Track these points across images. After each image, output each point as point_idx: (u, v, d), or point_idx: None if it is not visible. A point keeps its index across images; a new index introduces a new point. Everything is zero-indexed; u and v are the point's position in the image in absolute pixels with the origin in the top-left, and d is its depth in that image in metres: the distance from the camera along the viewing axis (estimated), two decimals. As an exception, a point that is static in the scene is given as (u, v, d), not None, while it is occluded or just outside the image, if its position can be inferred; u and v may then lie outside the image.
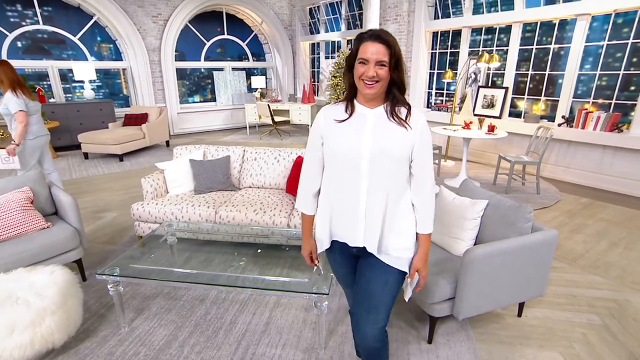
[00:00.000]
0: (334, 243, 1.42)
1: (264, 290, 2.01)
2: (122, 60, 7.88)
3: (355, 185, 1.27)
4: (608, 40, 4.60)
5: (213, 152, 3.46)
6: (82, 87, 7.25)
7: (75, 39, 7.35)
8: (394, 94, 1.24)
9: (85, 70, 6.64)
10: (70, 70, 7.15)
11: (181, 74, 8.90)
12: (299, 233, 2.66)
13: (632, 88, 4.68)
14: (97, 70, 7.39)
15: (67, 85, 7.63)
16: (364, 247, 1.33)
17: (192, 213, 2.90)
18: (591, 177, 4.72)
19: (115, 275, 2.01)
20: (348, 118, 1.27)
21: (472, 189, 2.36)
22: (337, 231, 1.37)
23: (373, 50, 1.15)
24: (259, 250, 2.49)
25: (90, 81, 7.16)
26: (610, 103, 4.68)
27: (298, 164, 3.26)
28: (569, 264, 2.85)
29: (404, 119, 1.24)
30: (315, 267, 1.70)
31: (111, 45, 8.16)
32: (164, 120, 6.87)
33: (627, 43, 4.44)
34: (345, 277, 1.53)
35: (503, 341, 2.06)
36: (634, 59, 4.57)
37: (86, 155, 6.29)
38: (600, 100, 4.78)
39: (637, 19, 4.35)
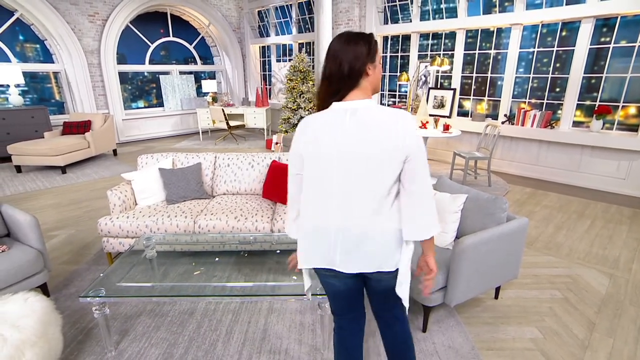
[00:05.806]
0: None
1: (274, 296, 2.00)
2: (53, 62, 7.17)
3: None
4: (537, 48, 5.19)
5: (182, 159, 3.31)
6: (4, 93, 6.44)
7: (-6, 38, 6.54)
8: None
9: (10, 73, 5.89)
10: (-12, 73, 6.32)
11: (122, 78, 8.29)
12: (282, 237, 2.65)
13: (558, 89, 5.32)
14: (24, 74, 6.61)
15: (-17, 90, 6.75)
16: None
17: (168, 224, 2.75)
18: (531, 169, 5.28)
19: (101, 297, 1.86)
20: None
21: (449, 184, 2.54)
22: None
23: None
24: (245, 255, 2.45)
25: (16, 85, 6.40)
26: (542, 103, 5.28)
27: (274, 168, 3.24)
28: (528, 248, 3.18)
29: None
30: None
31: (38, 46, 7.38)
32: (110, 128, 6.37)
33: (552, 50, 5.06)
34: None
35: (487, 322, 2.25)
36: (558, 64, 5.21)
37: (19, 169, 5.62)
38: (534, 100, 5.38)
39: (558, 30, 4.98)
